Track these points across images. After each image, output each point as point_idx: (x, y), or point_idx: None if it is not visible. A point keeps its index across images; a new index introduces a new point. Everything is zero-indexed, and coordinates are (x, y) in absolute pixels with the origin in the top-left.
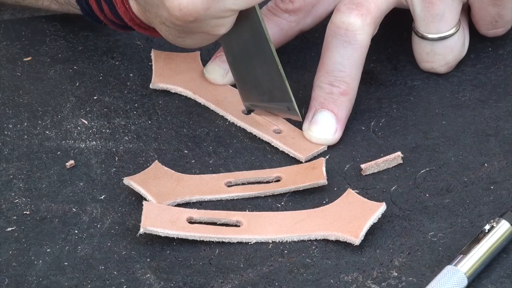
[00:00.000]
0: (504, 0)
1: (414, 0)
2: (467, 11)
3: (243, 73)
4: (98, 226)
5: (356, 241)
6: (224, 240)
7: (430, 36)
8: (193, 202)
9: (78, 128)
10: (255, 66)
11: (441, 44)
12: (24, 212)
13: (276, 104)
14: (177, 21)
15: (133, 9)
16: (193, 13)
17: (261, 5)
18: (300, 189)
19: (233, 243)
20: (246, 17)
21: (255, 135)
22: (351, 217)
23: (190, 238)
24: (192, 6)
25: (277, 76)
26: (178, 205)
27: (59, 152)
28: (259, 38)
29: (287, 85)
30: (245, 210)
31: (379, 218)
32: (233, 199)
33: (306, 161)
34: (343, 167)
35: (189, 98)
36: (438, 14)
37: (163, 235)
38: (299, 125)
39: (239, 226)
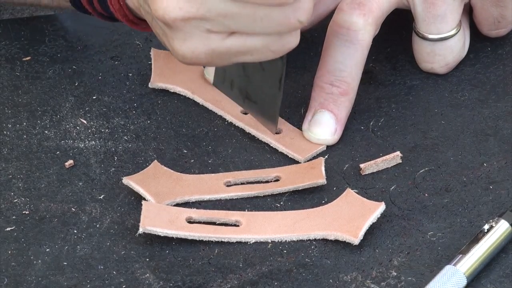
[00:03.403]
0: (507, 0)
1: (416, 0)
2: (468, 12)
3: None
4: (97, 225)
5: (355, 240)
6: (223, 240)
7: (430, 36)
8: (192, 202)
9: (77, 127)
10: (255, 73)
11: (442, 45)
12: (23, 212)
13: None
14: None
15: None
16: None
17: None
18: (299, 189)
19: (232, 242)
20: None
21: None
22: (350, 217)
23: (189, 237)
24: None
25: (275, 96)
26: (177, 204)
27: (58, 152)
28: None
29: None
30: (244, 210)
31: (378, 218)
32: (232, 198)
33: (305, 161)
34: (342, 166)
35: (188, 98)
36: (439, 14)
37: (162, 235)
38: (298, 125)
39: (238, 225)
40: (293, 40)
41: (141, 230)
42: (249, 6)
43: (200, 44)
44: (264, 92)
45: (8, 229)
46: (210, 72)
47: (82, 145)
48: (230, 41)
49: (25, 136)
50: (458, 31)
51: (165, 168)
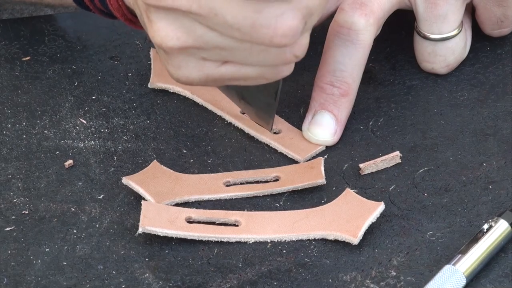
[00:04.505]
0: (509, 0)
1: (417, 0)
2: (471, 12)
3: None
4: (97, 225)
5: (355, 240)
6: (222, 240)
7: (432, 36)
8: (192, 202)
9: (77, 127)
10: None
11: (443, 45)
12: (23, 212)
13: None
14: None
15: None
16: None
17: None
18: (299, 189)
19: (232, 242)
20: None
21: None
22: (349, 217)
23: (189, 237)
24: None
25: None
26: (177, 204)
27: (57, 152)
28: None
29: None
30: (244, 210)
31: (377, 218)
32: (232, 198)
33: (304, 161)
34: (342, 166)
35: (188, 98)
36: (441, 14)
37: (161, 235)
38: (298, 125)
39: (237, 225)
40: (287, 69)
41: (140, 230)
42: (247, 42)
43: (195, 70)
44: (260, 100)
45: (8, 229)
46: None
47: (82, 145)
48: (224, 69)
49: (24, 136)
50: (460, 31)
51: (165, 168)
